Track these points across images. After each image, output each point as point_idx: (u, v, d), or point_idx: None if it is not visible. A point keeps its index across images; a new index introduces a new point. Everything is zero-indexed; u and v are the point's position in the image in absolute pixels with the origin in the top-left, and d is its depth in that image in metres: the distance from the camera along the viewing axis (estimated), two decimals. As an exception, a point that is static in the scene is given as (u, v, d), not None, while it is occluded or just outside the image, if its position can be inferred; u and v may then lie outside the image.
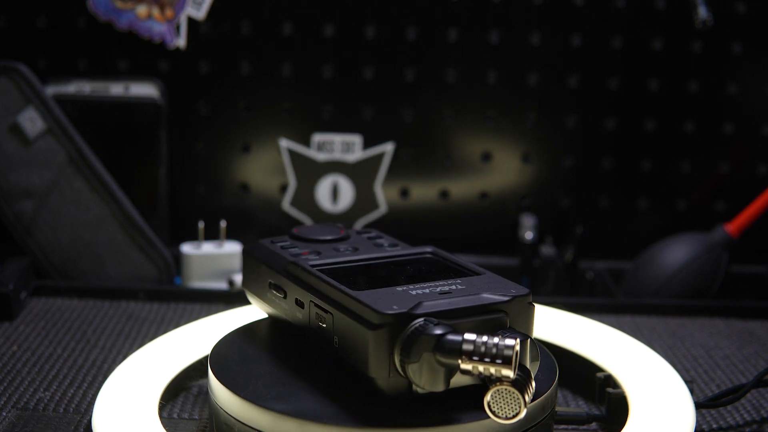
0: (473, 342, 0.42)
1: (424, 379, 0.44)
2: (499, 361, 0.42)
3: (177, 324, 0.69)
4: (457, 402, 0.46)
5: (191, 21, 0.85)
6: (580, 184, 0.90)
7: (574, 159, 0.89)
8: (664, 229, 0.87)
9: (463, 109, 0.88)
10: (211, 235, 0.83)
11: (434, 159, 0.89)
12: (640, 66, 0.87)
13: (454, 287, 0.48)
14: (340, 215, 0.89)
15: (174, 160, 0.87)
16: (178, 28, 0.85)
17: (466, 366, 0.42)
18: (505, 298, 0.47)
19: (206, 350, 0.56)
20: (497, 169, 0.89)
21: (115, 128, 0.83)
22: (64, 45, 0.85)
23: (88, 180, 0.79)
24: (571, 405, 0.60)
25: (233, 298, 0.74)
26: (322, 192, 0.89)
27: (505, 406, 0.42)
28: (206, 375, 0.53)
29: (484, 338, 0.42)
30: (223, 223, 0.81)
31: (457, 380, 0.44)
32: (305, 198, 0.89)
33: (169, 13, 0.84)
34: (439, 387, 0.44)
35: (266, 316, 0.57)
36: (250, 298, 0.57)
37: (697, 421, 0.56)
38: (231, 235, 0.82)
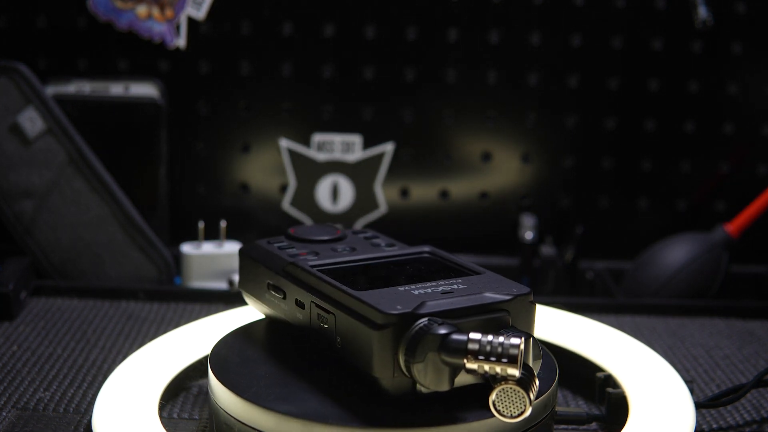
0: (478, 341, 0.43)
1: (429, 378, 0.44)
2: (504, 360, 0.42)
3: (177, 324, 0.69)
4: (460, 401, 0.46)
5: (191, 21, 0.85)
6: (580, 184, 0.90)
7: (574, 159, 0.89)
8: (664, 229, 0.87)
9: (463, 109, 0.88)
10: (211, 235, 0.83)
11: (434, 159, 0.89)
12: (640, 66, 0.87)
13: (455, 287, 0.48)
14: (340, 215, 0.89)
15: (174, 160, 0.87)
16: (178, 28, 0.85)
17: (471, 365, 0.43)
18: (507, 297, 0.47)
19: (206, 350, 0.56)
20: (497, 169, 0.89)
21: (115, 128, 0.83)
22: (64, 45, 0.85)
23: (88, 180, 0.79)
24: (571, 405, 0.60)
25: (233, 298, 0.74)
26: (322, 192, 0.89)
27: (510, 405, 0.43)
28: (206, 375, 0.53)
29: (490, 337, 0.43)
30: (223, 223, 0.81)
31: (460, 379, 0.45)
32: (305, 198, 0.89)
33: (169, 13, 0.84)
34: (444, 386, 0.44)
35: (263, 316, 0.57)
36: (247, 299, 0.57)
37: (697, 421, 0.56)
38: (231, 235, 0.82)
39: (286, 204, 0.89)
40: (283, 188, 0.89)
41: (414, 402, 0.46)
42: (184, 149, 0.88)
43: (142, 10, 0.84)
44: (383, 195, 0.89)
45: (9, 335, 0.67)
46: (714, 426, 0.56)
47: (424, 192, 0.90)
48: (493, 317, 0.46)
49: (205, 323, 0.62)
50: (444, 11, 0.86)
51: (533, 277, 0.84)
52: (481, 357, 0.42)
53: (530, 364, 0.44)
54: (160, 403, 0.52)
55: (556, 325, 0.63)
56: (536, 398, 0.46)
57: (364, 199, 0.89)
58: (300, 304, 0.51)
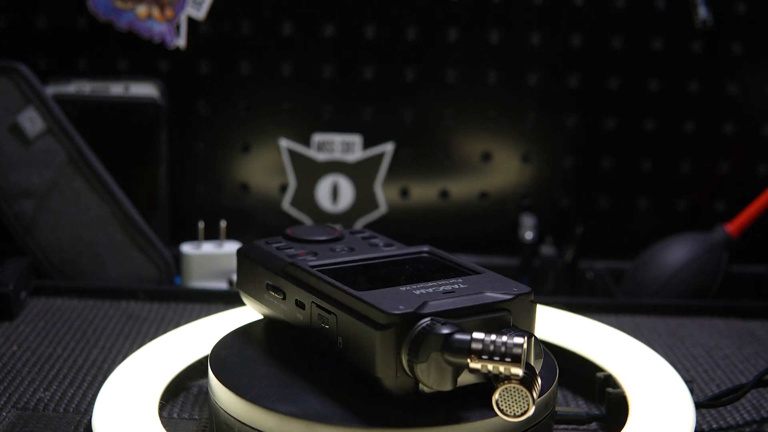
0: (482, 341, 0.43)
1: (432, 378, 0.44)
2: (508, 359, 0.42)
3: (177, 324, 0.69)
4: (462, 401, 0.46)
5: (191, 21, 0.85)
6: (580, 184, 0.90)
7: (574, 159, 0.89)
8: (664, 229, 0.87)
9: (463, 109, 0.88)
10: (211, 235, 0.83)
11: (434, 159, 0.89)
12: (640, 66, 0.87)
13: (456, 286, 0.48)
14: (340, 215, 0.89)
15: (174, 160, 0.87)
16: (178, 28, 0.85)
17: (475, 365, 0.43)
18: (509, 297, 0.47)
19: (206, 350, 0.56)
20: (497, 169, 0.89)
21: (115, 128, 0.83)
22: (64, 45, 0.85)
23: (88, 180, 0.79)
24: (571, 405, 0.60)
25: (233, 298, 0.74)
26: (322, 192, 0.89)
27: (514, 404, 0.43)
28: (206, 375, 0.53)
29: (493, 337, 0.43)
30: (223, 223, 0.81)
31: (462, 379, 0.45)
32: (305, 198, 0.89)
33: (169, 13, 0.84)
34: (447, 386, 0.44)
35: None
36: (245, 300, 0.57)
37: (697, 421, 0.56)
38: (231, 235, 0.82)
39: (286, 204, 0.89)
40: (283, 188, 0.89)
41: (416, 402, 0.46)
42: (184, 149, 0.88)
43: (142, 10, 0.84)
44: (383, 195, 0.89)
45: (9, 335, 0.67)
46: (714, 426, 0.56)
47: (424, 192, 0.90)
48: (494, 317, 0.46)
49: (205, 323, 0.62)
50: (444, 11, 0.86)
51: (533, 277, 0.84)
52: (484, 356, 0.42)
53: (532, 363, 0.45)
54: (160, 403, 0.52)
55: (556, 325, 0.63)
56: (538, 397, 0.46)
57: (364, 199, 0.89)
58: (300, 305, 0.51)
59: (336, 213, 0.89)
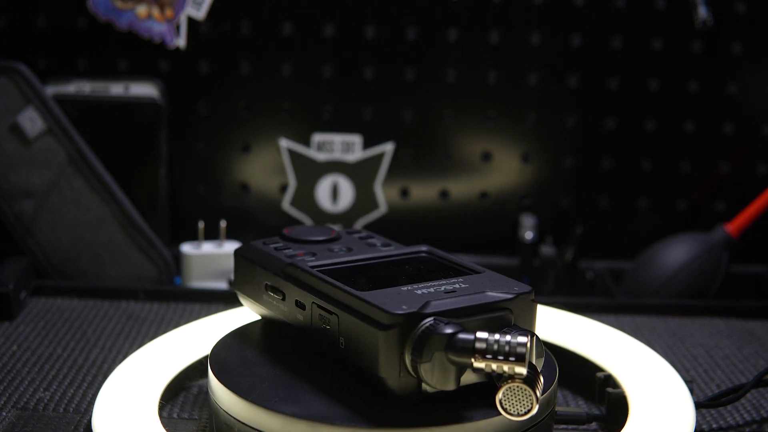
0: (486, 340, 0.43)
1: (436, 378, 0.44)
2: (512, 358, 0.42)
3: (177, 324, 0.69)
4: (464, 400, 0.46)
5: (191, 21, 0.85)
6: (580, 184, 0.90)
7: (574, 159, 0.89)
8: (664, 229, 0.87)
9: (463, 109, 0.88)
10: (211, 235, 0.83)
11: (434, 159, 0.89)
12: (640, 66, 0.87)
13: (457, 286, 0.49)
14: (340, 215, 0.89)
15: (174, 160, 0.87)
16: (178, 28, 0.85)
17: (479, 364, 0.43)
18: (510, 296, 0.47)
19: (206, 350, 0.56)
20: (497, 169, 0.89)
21: (115, 128, 0.83)
22: (64, 45, 0.85)
23: (88, 180, 0.79)
24: (571, 405, 0.60)
25: (233, 298, 0.73)
26: (322, 192, 0.89)
27: (517, 403, 0.43)
28: (206, 375, 0.53)
29: (497, 336, 0.43)
30: (223, 223, 0.81)
31: (464, 378, 0.45)
32: (305, 198, 0.89)
33: (169, 13, 0.84)
34: (450, 386, 0.44)
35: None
36: (243, 301, 0.57)
37: (697, 421, 0.56)
38: (231, 235, 0.82)
39: (286, 204, 0.89)
40: (283, 188, 0.89)
41: (419, 401, 0.46)
42: (184, 149, 0.88)
43: (142, 10, 0.84)
44: (383, 195, 0.89)
45: (9, 335, 0.67)
46: (714, 426, 0.56)
47: (424, 192, 0.90)
48: (496, 316, 0.46)
49: (205, 323, 0.62)
50: (444, 11, 0.86)
51: (533, 277, 0.84)
52: (488, 356, 0.43)
53: (533, 362, 0.45)
54: (160, 403, 0.52)
55: (556, 325, 0.63)
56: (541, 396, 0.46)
57: (364, 199, 0.89)
58: (300, 305, 0.51)
59: (336, 213, 0.89)
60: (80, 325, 0.69)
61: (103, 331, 0.68)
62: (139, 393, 0.52)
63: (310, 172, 0.88)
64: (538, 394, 0.43)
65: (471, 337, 0.43)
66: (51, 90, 0.82)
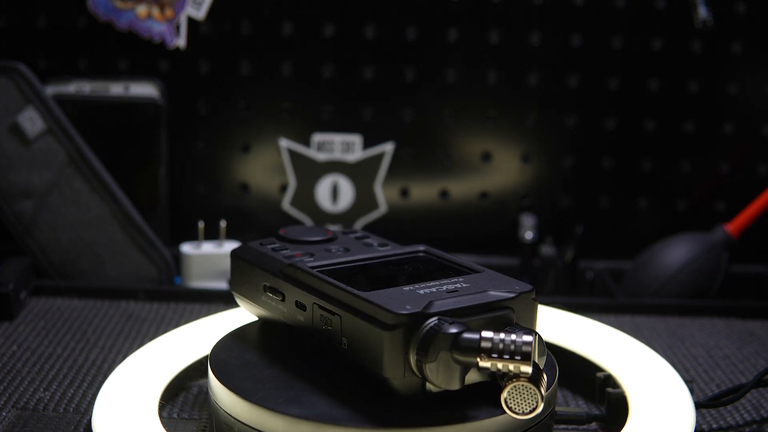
0: (491, 339, 0.43)
1: (441, 377, 0.44)
2: (517, 357, 0.43)
3: (177, 324, 0.69)
4: (467, 399, 0.46)
5: (191, 21, 0.85)
6: (580, 184, 0.90)
7: (574, 159, 0.89)
8: (664, 229, 0.87)
9: (463, 109, 0.88)
10: (211, 235, 0.83)
11: (434, 159, 0.89)
12: (640, 66, 0.87)
13: (459, 285, 0.49)
14: (340, 215, 0.89)
15: (174, 160, 0.87)
16: (178, 28, 0.85)
17: (484, 363, 0.43)
18: (512, 295, 0.47)
19: (206, 350, 0.56)
20: (497, 169, 0.89)
21: (115, 128, 0.83)
22: (64, 45, 0.85)
23: (88, 180, 0.79)
24: (571, 405, 0.60)
25: (233, 299, 0.73)
26: (322, 192, 0.89)
27: (522, 401, 0.43)
28: (206, 375, 0.53)
29: (502, 335, 0.43)
30: (223, 223, 0.81)
31: (467, 378, 0.45)
32: (305, 198, 0.89)
33: (169, 13, 0.84)
34: (455, 385, 0.44)
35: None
36: (240, 302, 0.56)
37: (697, 421, 0.56)
38: (231, 235, 0.82)
39: (286, 204, 0.89)
40: (283, 188, 0.89)
41: (423, 401, 0.46)
42: (184, 149, 0.88)
43: (142, 10, 0.84)
44: (383, 195, 0.89)
45: (9, 335, 0.67)
46: (714, 426, 0.56)
47: (424, 192, 0.90)
48: (498, 315, 0.46)
49: (205, 323, 0.62)
50: (444, 11, 0.86)
51: (533, 277, 0.84)
52: (494, 355, 0.43)
53: (536, 361, 0.45)
54: (160, 403, 0.52)
55: (556, 325, 0.63)
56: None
57: (364, 199, 0.89)
58: (301, 306, 0.51)
59: (336, 213, 0.89)
60: (80, 325, 0.69)
61: (103, 331, 0.68)
62: (139, 393, 0.52)
63: (310, 172, 0.88)
64: (543, 392, 0.43)
65: (476, 336, 0.43)
66: (51, 90, 0.82)
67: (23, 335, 0.67)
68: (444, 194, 0.90)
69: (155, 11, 0.84)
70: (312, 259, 0.53)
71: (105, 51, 0.85)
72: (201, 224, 0.81)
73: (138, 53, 0.85)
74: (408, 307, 0.45)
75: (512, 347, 0.43)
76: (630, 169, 0.89)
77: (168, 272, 0.81)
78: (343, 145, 0.88)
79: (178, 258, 0.81)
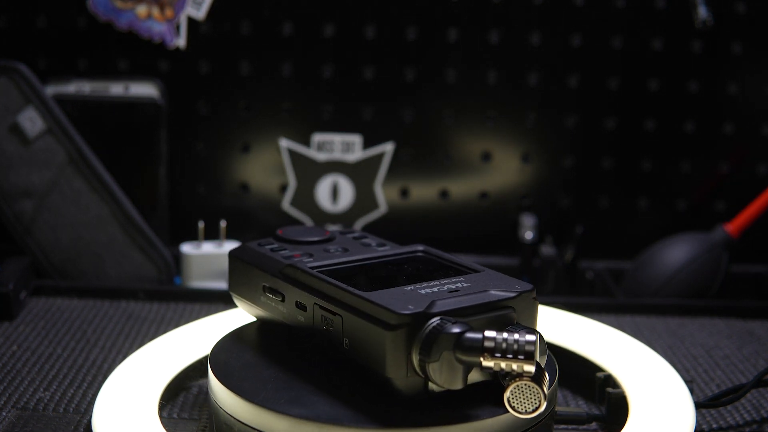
0: (494, 339, 0.43)
1: (444, 377, 0.44)
2: (521, 356, 0.43)
3: (177, 324, 0.69)
4: (470, 399, 0.46)
5: (191, 21, 0.85)
6: (580, 184, 0.90)
7: (574, 159, 0.89)
8: (664, 229, 0.87)
9: (463, 109, 0.88)
10: (211, 235, 0.83)
11: (434, 159, 0.89)
12: (640, 66, 0.87)
13: (460, 285, 0.49)
14: (340, 215, 0.89)
15: (174, 160, 0.87)
16: (178, 28, 0.85)
17: (487, 363, 0.43)
18: (513, 294, 0.47)
19: (206, 350, 0.56)
20: (497, 169, 0.89)
21: (115, 128, 0.83)
22: (64, 45, 0.85)
23: (88, 180, 0.79)
24: (571, 405, 0.60)
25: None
26: (322, 192, 0.89)
27: (525, 401, 0.43)
28: (206, 375, 0.53)
29: (505, 335, 0.43)
30: (223, 223, 0.81)
31: (469, 377, 0.45)
32: (305, 198, 0.89)
33: (169, 13, 0.84)
34: (458, 385, 0.44)
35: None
36: (238, 302, 0.56)
37: (697, 421, 0.56)
38: (231, 235, 0.82)
39: (286, 204, 0.89)
40: (283, 188, 0.89)
41: (425, 401, 0.46)
42: (184, 149, 0.88)
43: (142, 10, 0.84)
44: (383, 195, 0.89)
45: (9, 335, 0.67)
46: (714, 426, 0.56)
47: (424, 192, 0.90)
48: (499, 314, 0.47)
49: (205, 323, 0.62)
50: (444, 11, 0.86)
51: (533, 277, 0.84)
52: (497, 354, 0.43)
53: (537, 360, 0.45)
54: (160, 403, 0.52)
55: (556, 325, 0.63)
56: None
57: (364, 199, 0.89)
58: (301, 307, 0.50)
59: (336, 213, 0.89)
60: (80, 325, 0.69)
61: (103, 331, 0.68)
62: (139, 393, 0.52)
63: (310, 172, 0.88)
64: (546, 391, 0.43)
65: (479, 336, 0.43)
66: (51, 90, 0.82)
67: (23, 335, 0.67)
68: (444, 194, 0.90)
69: (155, 11, 0.84)
70: (311, 259, 0.53)
71: (105, 51, 0.85)
72: (201, 224, 0.81)
73: (138, 53, 0.85)
74: (410, 307, 0.45)
75: (515, 347, 0.43)
76: (630, 169, 0.89)
77: (168, 272, 0.81)
78: (343, 145, 0.88)
79: (178, 258, 0.81)
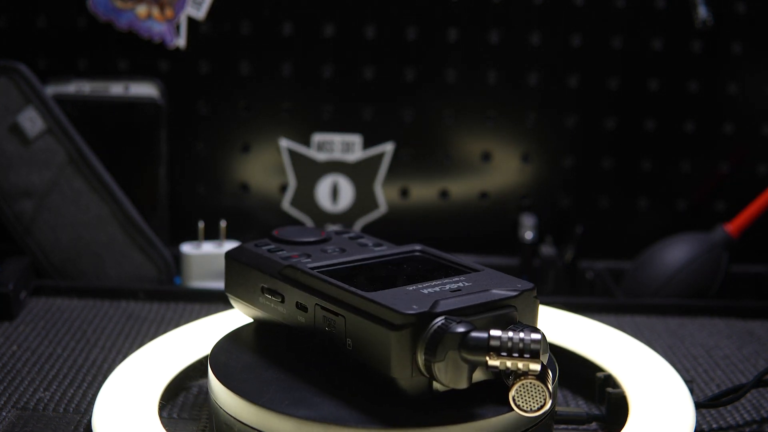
0: (499, 338, 0.43)
1: (449, 377, 0.44)
2: (527, 355, 0.43)
3: (177, 324, 0.69)
4: (473, 398, 0.46)
5: (191, 21, 0.85)
6: (580, 184, 0.90)
7: (574, 159, 0.89)
8: (664, 229, 0.87)
9: (463, 109, 0.88)
10: (211, 235, 0.83)
11: (434, 159, 0.89)
12: (640, 66, 0.87)
13: (461, 285, 0.49)
14: (340, 215, 0.89)
15: (174, 160, 0.87)
16: (178, 28, 0.85)
17: (493, 362, 0.43)
18: (514, 293, 0.47)
19: (206, 350, 0.56)
20: (497, 169, 0.89)
21: (115, 128, 0.83)
22: (64, 45, 0.85)
23: (88, 180, 0.79)
24: (571, 405, 0.60)
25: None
26: (322, 192, 0.89)
27: (530, 399, 0.43)
28: (206, 375, 0.53)
29: (510, 334, 0.43)
30: (223, 223, 0.81)
31: (473, 376, 0.45)
32: (305, 198, 0.89)
33: (169, 12, 0.84)
34: (463, 384, 0.44)
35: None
36: (235, 304, 0.56)
37: (697, 421, 0.56)
38: (231, 235, 0.82)
39: (286, 204, 0.89)
40: (283, 188, 0.89)
41: (429, 401, 0.46)
42: (184, 149, 0.88)
43: (142, 10, 0.84)
44: (383, 195, 0.89)
45: (9, 335, 0.67)
46: (714, 426, 0.56)
47: (424, 192, 0.90)
48: (502, 313, 0.47)
49: (205, 323, 0.62)
50: (444, 11, 0.86)
51: (533, 277, 0.84)
52: (503, 353, 0.43)
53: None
54: (160, 403, 0.52)
55: (556, 325, 0.63)
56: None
57: (364, 199, 0.89)
58: (302, 307, 0.50)
59: (336, 213, 0.89)
60: (80, 325, 0.69)
61: (103, 331, 0.68)
62: (139, 393, 0.52)
63: (310, 172, 0.88)
64: (551, 389, 0.43)
65: (485, 335, 0.43)
66: (51, 90, 0.82)
67: (23, 335, 0.67)
68: (444, 194, 0.90)
69: (155, 11, 0.84)
70: (309, 260, 0.53)
71: (105, 51, 0.85)
72: (201, 224, 0.81)
73: (138, 53, 0.85)
74: (415, 306, 0.45)
75: (521, 345, 0.43)
76: (630, 169, 0.89)
77: (168, 272, 0.81)
78: (343, 145, 0.88)
79: (178, 258, 0.81)
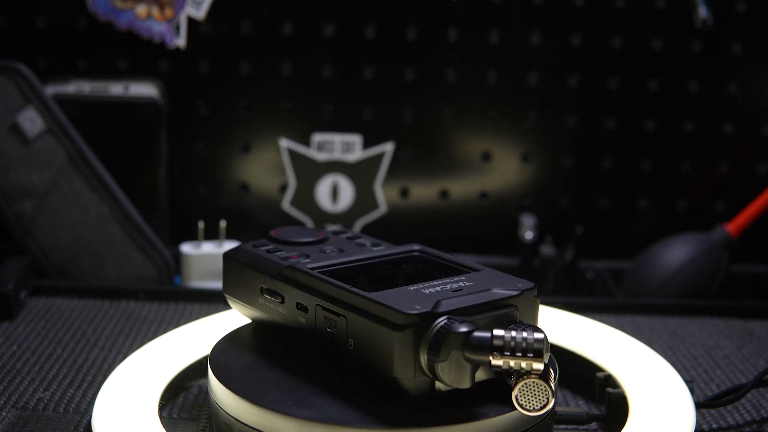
0: (502, 338, 0.43)
1: (452, 376, 0.44)
2: (530, 354, 0.43)
3: (177, 324, 0.69)
4: (475, 398, 0.46)
5: (191, 21, 0.85)
6: (580, 184, 0.90)
7: (574, 159, 0.89)
8: (664, 229, 0.87)
9: (463, 109, 0.88)
10: (211, 235, 0.83)
11: (434, 159, 0.89)
12: (640, 66, 0.87)
13: (462, 284, 0.49)
14: (340, 215, 0.89)
15: (174, 160, 0.87)
16: (177, 27, 0.85)
17: (496, 362, 0.43)
18: (515, 293, 0.48)
19: (206, 350, 0.56)
20: (497, 169, 0.89)
21: (115, 128, 0.83)
22: (64, 45, 0.85)
23: (88, 180, 0.79)
24: (571, 405, 0.60)
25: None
26: (322, 192, 0.89)
27: (533, 398, 0.43)
28: (206, 375, 0.53)
29: (513, 333, 0.43)
30: (223, 223, 0.81)
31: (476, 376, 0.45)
32: (305, 198, 0.89)
33: (168, 12, 0.84)
34: (466, 383, 0.44)
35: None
36: (234, 305, 0.56)
37: (697, 421, 0.56)
38: (231, 235, 0.82)
39: (286, 204, 0.89)
40: (283, 188, 0.89)
41: (432, 400, 0.46)
42: (184, 149, 0.88)
43: (141, 9, 0.84)
44: (383, 195, 0.89)
45: (9, 335, 0.67)
46: (714, 426, 0.56)
47: (424, 192, 0.90)
48: (503, 313, 0.47)
49: (205, 323, 0.62)
50: (444, 11, 0.86)
51: (533, 277, 0.84)
52: (507, 353, 0.43)
53: None
54: (160, 403, 0.52)
55: (556, 325, 0.63)
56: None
57: (364, 199, 0.89)
58: (302, 308, 0.50)
59: (336, 213, 0.89)
60: (80, 325, 0.69)
61: (103, 331, 0.68)
62: (139, 393, 0.52)
63: (310, 172, 0.88)
64: (554, 388, 0.43)
65: (488, 334, 0.43)
66: (51, 90, 0.82)
67: (23, 335, 0.67)
68: (444, 194, 0.90)
69: (155, 11, 0.84)
70: (309, 260, 0.53)
71: (105, 51, 0.85)
72: (201, 224, 0.81)
73: (138, 53, 0.85)
74: (417, 306, 0.45)
75: (524, 345, 0.43)
76: (630, 169, 0.89)
77: (168, 272, 0.81)
78: (343, 145, 0.88)
79: (178, 258, 0.81)
